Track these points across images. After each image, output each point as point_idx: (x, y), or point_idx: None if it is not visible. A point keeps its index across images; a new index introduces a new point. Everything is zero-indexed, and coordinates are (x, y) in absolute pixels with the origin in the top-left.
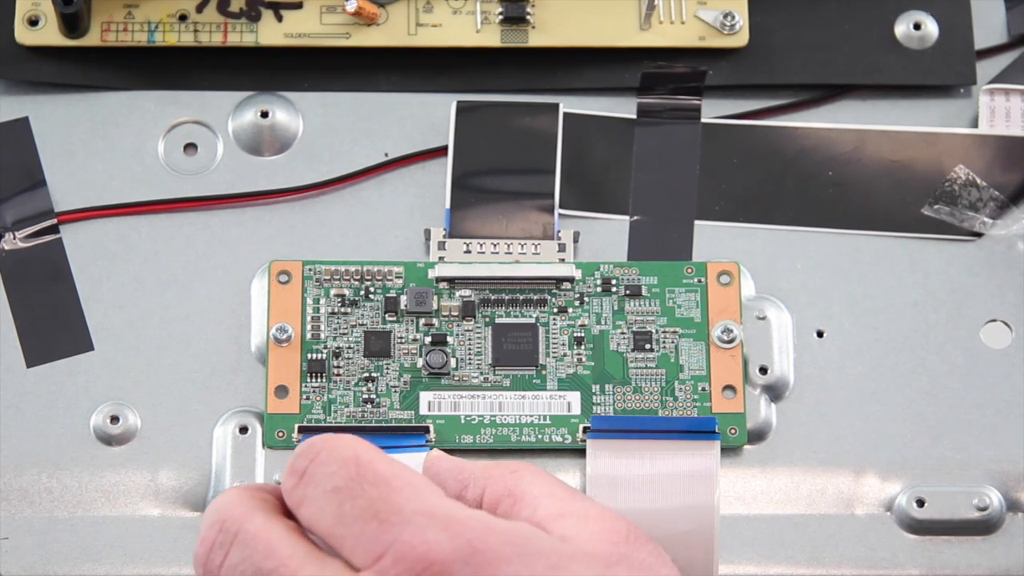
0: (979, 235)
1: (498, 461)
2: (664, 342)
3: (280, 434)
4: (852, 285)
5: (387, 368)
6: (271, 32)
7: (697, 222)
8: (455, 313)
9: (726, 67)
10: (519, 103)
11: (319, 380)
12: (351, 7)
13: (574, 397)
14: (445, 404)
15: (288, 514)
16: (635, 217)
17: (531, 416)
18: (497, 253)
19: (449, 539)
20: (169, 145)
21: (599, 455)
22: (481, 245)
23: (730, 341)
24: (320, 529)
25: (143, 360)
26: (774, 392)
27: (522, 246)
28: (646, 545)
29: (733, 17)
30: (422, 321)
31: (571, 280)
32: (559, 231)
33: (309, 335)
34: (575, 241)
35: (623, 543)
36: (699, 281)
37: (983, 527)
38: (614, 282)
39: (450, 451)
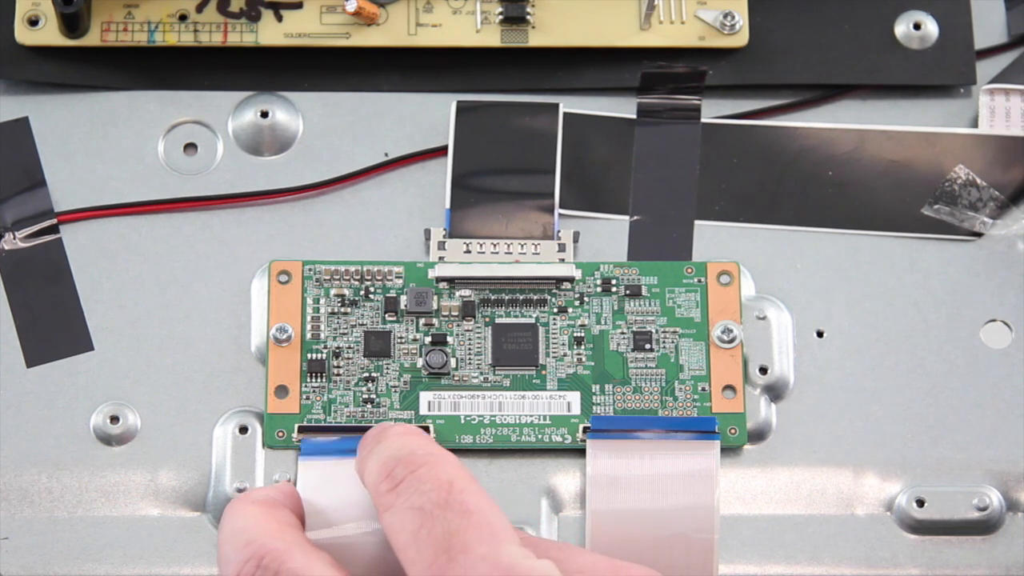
0: (979, 235)
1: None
2: (664, 342)
3: (280, 434)
4: (852, 285)
5: (387, 368)
6: (271, 32)
7: (697, 222)
8: (455, 313)
9: (726, 67)
10: (519, 103)
11: (319, 380)
12: (351, 7)
13: (574, 397)
14: (445, 404)
15: (301, 520)
16: (635, 217)
17: (531, 416)
18: (497, 253)
19: None
20: (169, 145)
21: (599, 455)
22: (481, 245)
23: (730, 341)
24: (396, 542)
25: (143, 360)
26: (774, 392)
27: (522, 246)
28: None
29: (733, 17)
30: (422, 321)
31: (571, 280)
32: (559, 231)
33: (309, 335)
34: (575, 241)
35: None
36: (699, 281)
37: (983, 527)
38: (614, 282)
39: (450, 451)
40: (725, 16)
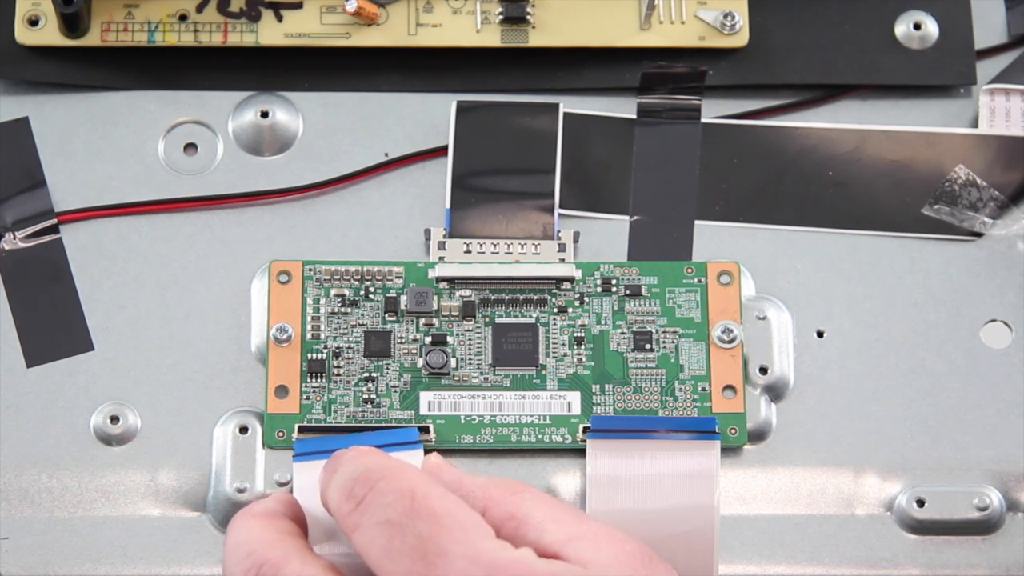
0: (979, 235)
1: (498, 480)
2: (664, 342)
3: (280, 434)
4: (852, 285)
5: (387, 368)
6: (271, 32)
7: (697, 222)
8: (455, 313)
9: (726, 67)
10: (519, 103)
11: (319, 380)
12: (351, 7)
13: (574, 397)
14: (445, 404)
15: (303, 526)
16: (635, 217)
17: (531, 416)
18: (497, 253)
19: None
20: (169, 145)
21: (599, 455)
22: (481, 245)
23: (730, 341)
24: (369, 559)
25: (143, 360)
26: (774, 392)
27: (522, 246)
28: (660, 566)
29: (733, 17)
30: (422, 321)
31: (571, 280)
32: (559, 231)
33: (309, 335)
34: (575, 241)
35: (641, 567)
36: (699, 281)
37: (983, 527)
38: (614, 282)
39: (450, 451)
40: (725, 16)
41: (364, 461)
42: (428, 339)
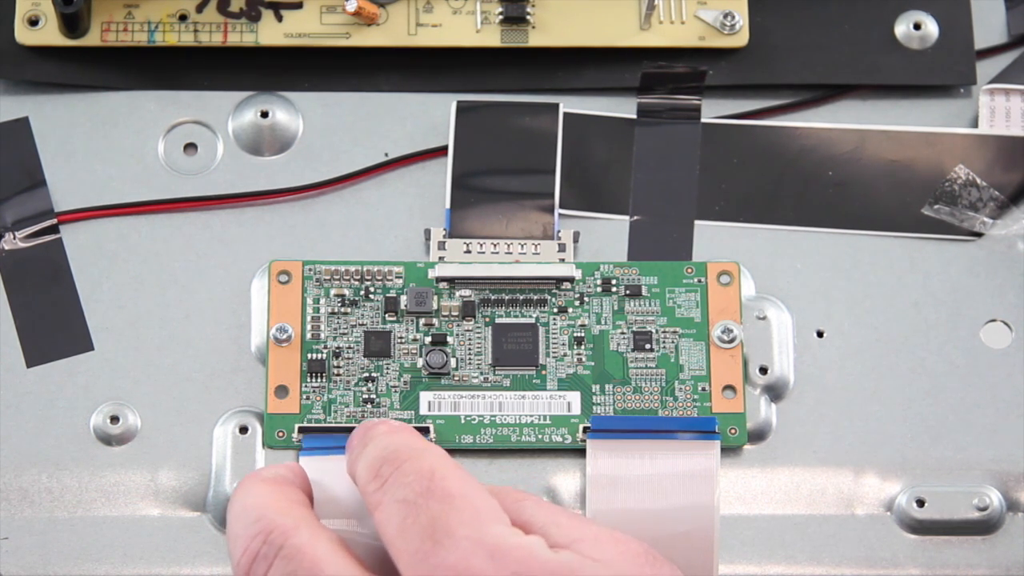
0: (979, 235)
1: (499, 488)
2: (664, 342)
3: (280, 434)
4: (852, 285)
5: (387, 368)
6: (271, 32)
7: (697, 222)
8: (455, 313)
9: (726, 67)
10: (519, 103)
11: (319, 380)
12: (351, 7)
13: (574, 397)
14: (445, 404)
15: (311, 498)
16: (635, 217)
17: (531, 416)
18: (497, 253)
19: (494, 568)
20: (169, 145)
21: (599, 455)
22: (481, 245)
23: (730, 341)
24: (385, 537)
25: (143, 360)
26: (774, 392)
27: (522, 246)
28: (665, 565)
29: (733, 17)
30: (422, 321)
31: (571, 280)
32: (559, 231)
33: (309, 335)
34: (575, 241)
35: (647, 565)
36: (699, 281)
37: (983, 527)
38: (614, 282)
39: (450, 451)
40: (725, 16)
41: (393, 440)
42: (428, 339)
